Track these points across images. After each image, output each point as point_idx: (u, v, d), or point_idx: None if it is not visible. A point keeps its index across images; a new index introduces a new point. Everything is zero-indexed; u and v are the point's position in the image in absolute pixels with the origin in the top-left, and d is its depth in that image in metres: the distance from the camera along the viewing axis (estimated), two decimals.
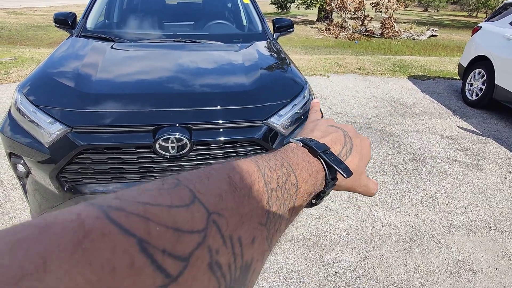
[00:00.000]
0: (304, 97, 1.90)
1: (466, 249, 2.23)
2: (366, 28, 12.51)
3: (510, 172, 3.23)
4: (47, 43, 8.99)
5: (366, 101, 5.04)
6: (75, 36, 2.46)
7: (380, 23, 12.40)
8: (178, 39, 2.48)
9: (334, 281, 1.94)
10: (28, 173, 1.67)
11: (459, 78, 5.56)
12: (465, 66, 5.21)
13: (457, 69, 5.76)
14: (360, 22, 12.71)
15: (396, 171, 3.13)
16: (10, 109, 1.73)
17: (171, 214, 0.21)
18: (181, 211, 0.21)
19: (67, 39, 2.44)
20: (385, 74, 6.63)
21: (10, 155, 1.67)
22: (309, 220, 2.42)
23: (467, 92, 5.12)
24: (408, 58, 8.22)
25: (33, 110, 1.58)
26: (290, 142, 0.39)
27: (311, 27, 14.79)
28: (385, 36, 12.04)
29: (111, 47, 2.22)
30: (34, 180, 1.66)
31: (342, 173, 0.37)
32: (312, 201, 0.39)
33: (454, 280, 1.99)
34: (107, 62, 1.97)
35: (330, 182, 0.38)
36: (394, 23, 12.24)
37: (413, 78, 6.37)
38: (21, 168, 1.67)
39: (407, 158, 3.38)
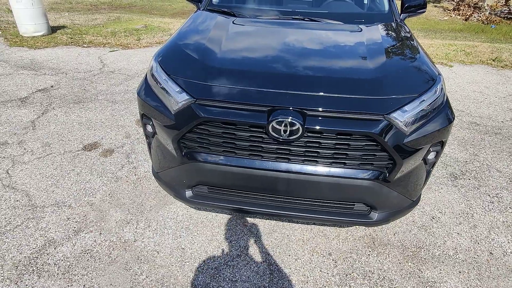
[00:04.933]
0: (435, 93, 1.64)
1: None
2: (510, 9, 10.26)
3: None
4: (170, 13, 9.95)
5: (499, 100, 4.21)
6: (202, 10, 2.61)
7: None
8: (297, 17, 2.40)
9: None
10: (154, 133, 1.89)
11: None
12: None
13: None
14: (503, 1, 10.48)
15: None
16: (146, 74, 1.96)
17: None
18: None
19: (195, 12, 2.61)
20: None
21: (142, 116, 1.91)
22: (410, 227, 2.20)
23: None
24: None
25: (165, 79, 1.75)
26: None
27: (436, 6, 12.90)
28: None
29: (233, 23, 2.28)
30: (158, 141, 1.87)
31: None
32: None
33: None
34: (230, 38, 2.03)
35: None
36: None
37: None
38: (149, 128, 1.90)
39: None
